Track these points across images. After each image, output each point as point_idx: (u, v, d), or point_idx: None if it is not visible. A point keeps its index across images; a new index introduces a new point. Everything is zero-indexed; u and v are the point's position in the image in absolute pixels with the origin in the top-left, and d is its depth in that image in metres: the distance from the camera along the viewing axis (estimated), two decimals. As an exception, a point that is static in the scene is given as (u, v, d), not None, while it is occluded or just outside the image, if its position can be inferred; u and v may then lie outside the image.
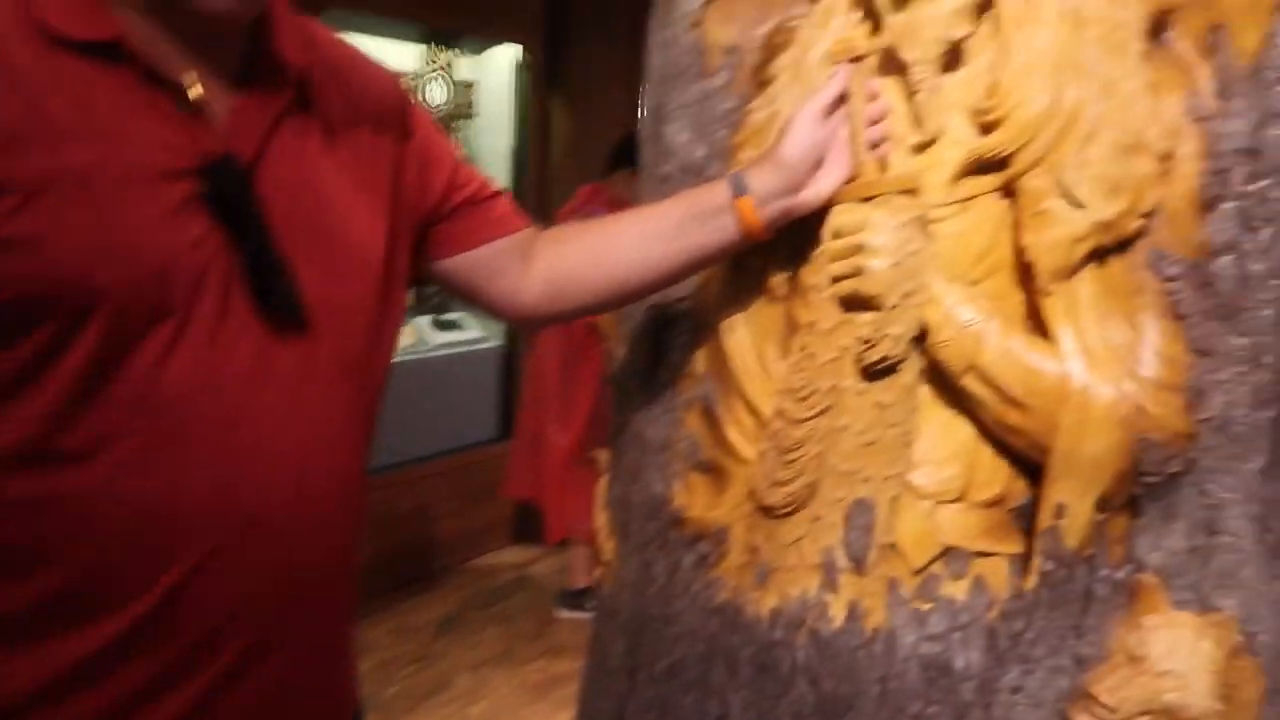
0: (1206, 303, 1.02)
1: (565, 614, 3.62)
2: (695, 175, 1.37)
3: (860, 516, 1.12)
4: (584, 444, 3.41)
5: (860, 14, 1.19)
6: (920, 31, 1.10)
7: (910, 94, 1.13)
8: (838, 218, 1.13)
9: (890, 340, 1.09)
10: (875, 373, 1.11)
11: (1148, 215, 1.02)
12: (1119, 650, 1.05)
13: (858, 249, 1.10)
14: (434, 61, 4.53)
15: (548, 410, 3.48)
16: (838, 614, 1.14)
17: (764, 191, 1.14)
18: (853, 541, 1.13)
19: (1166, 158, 1.02)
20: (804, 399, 1.16)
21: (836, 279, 1.12)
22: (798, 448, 1.16)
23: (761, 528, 1.20)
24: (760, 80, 1.31)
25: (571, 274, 1.23)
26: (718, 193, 1.17)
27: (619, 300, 1.26)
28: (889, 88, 1.16)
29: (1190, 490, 1.03)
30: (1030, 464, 1.09)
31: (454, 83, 4.62)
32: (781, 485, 1.17)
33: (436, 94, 4.54)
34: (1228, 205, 1.02)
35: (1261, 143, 1.01)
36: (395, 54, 4.34)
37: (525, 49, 4.56)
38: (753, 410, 1.23)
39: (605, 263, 1.22)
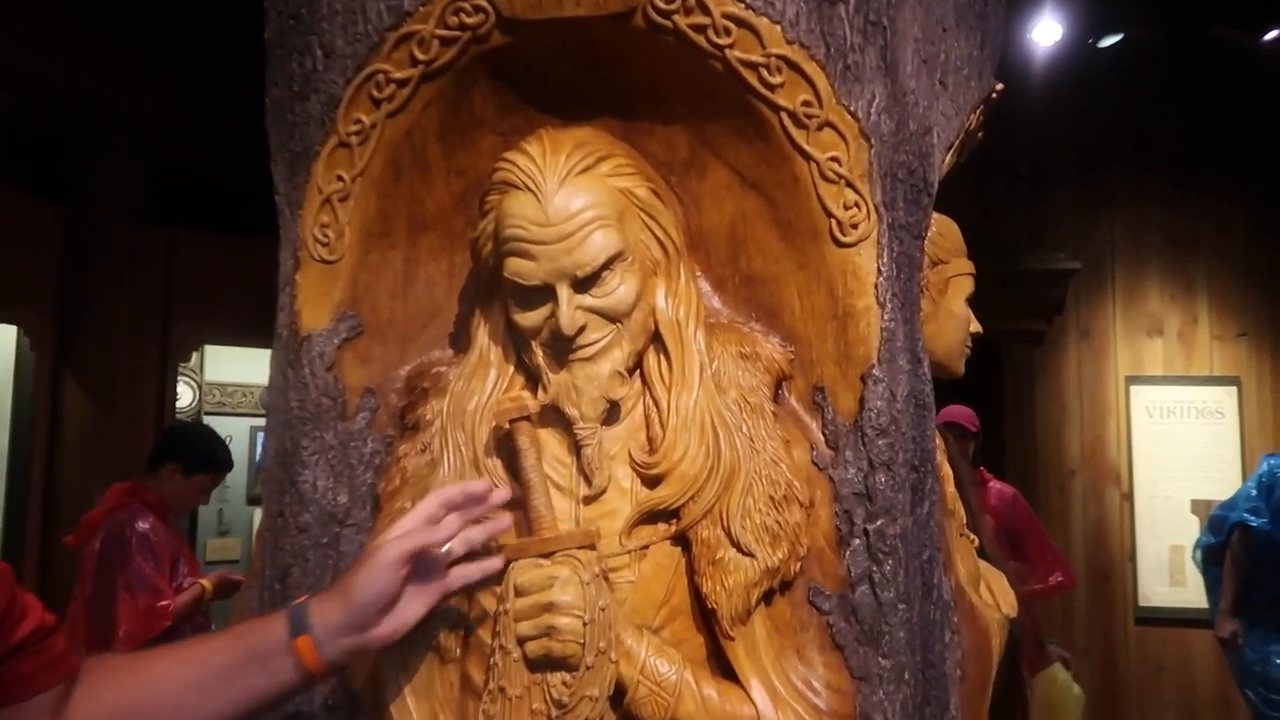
0: (855, 630, 1.15)
1: None
2: (338, 523, 1.27)
3: None
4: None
5: (513, 368, 1.23)
6: (583, 391, 1.15)
7: (575, 448, 1.17)
8: (521, 575, 1.10)
9: (588, 702, 1.07)
10: (571, 737, 1.07)
11: (803, 557, 1.14)
12: None
13: (547, 607, 1.08)
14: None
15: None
16: None
17: (328, 629, 1.03)
18: None
19: (810, 505, 1.16)
20: (498, 777, 1.07)
21: (525, 639, 1.08)
22: (495, 835, 1.06)
23: None
24: (408, 424, 1.28)
25: None
26: (275, 630, 1.04)
27: None
28: (551, 441, 1.19)
29: (865, 812, 1.11)
30: (728, 811, 1.10)
31: (-69, 364, 3.90)
32: None
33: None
34: (856, 542, 1.17)
35: (871, 489, 1.19)
36: None
37: (24, 329, 4.02)
38: (433, 794, 1.11)
39: (145, 715, 1.02)
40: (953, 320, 1.60)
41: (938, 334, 1.57)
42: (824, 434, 1.22)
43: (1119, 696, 5.68)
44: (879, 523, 1.18)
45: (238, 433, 4.97)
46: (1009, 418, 5.92)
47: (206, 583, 2.99)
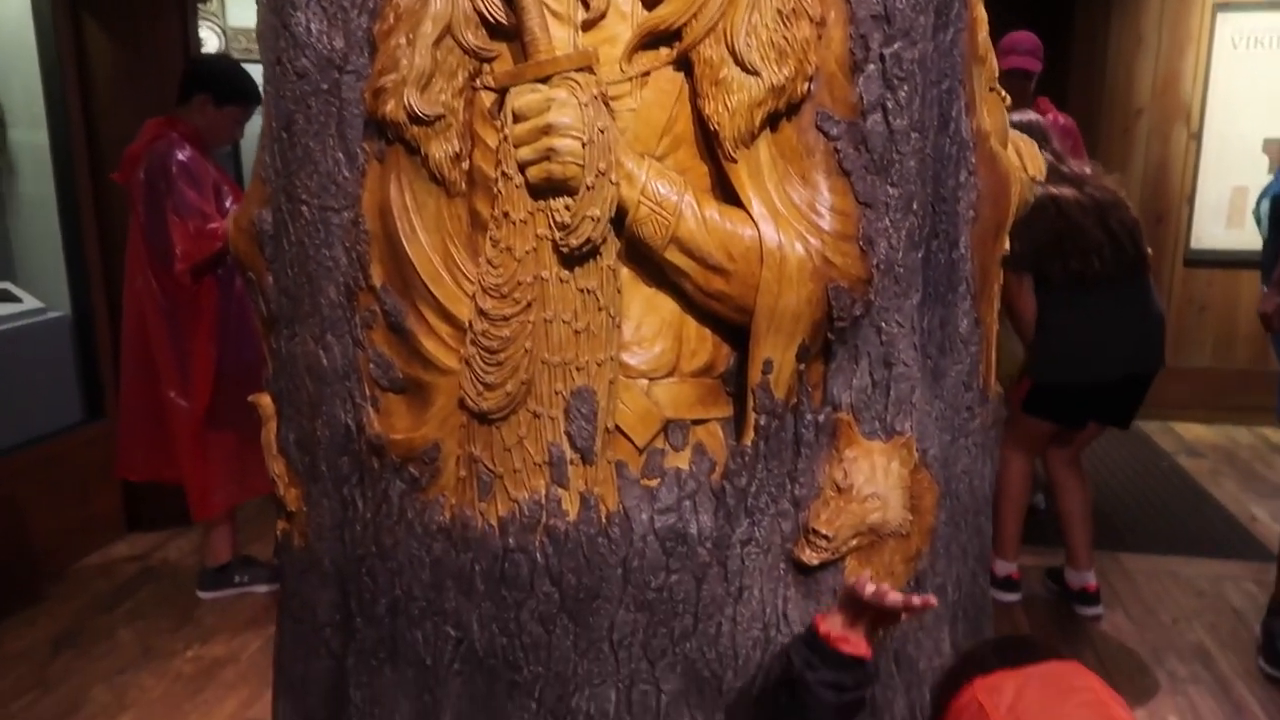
0: (864, 158, 1.12)
1: (210, 595, 3.27)
2: (337, 69, 1.23)
3: (582, 406, 1.11)
4: (215, 405, 3.05)
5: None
6: (576, -93, 1.06)
7: (572, -32, 1.09)
8: (518, 99, 1.07)
9: (589, 223, 1.07)
10: (577, 259, 1.09)
11: (811, 78, 1.08)
12: (828, 485, 1.15)
13: (545, 130, 1.05)
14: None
15: (162, 376, 3.05)
16: (571, 508, 1.13)
17: None
18: (576, 432, 1.11)
19: (821, 23, 1.08)
20: (506, 295, 1.11)
21: (525, 164, 1.07)
22: (506, 347, 1.11)
23: (478, 436, 1.14)
24: (398, -39, 1.20)
25: None
26: None
27: None
28: (548, -36, 1.11)
29: (869, 330, 1.14)
30: (732, 329, 1.13)
31: (-50, 5, 3.79)
32: (494, 388, 1.12)
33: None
34: (871, 67, 1.11)
35: (890, 9, 1.11)
36: None
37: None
38: (448, 317, 1.15)
39: None
40: None
41: None
42: (844, -47, 1.12)
43: (1157, 336, 5.76)
44: (896, 45, 1.11)
45: (271, 80, 4.85)
46: (1077, 51, 5.56)
47: (249, 205, 3.04)
